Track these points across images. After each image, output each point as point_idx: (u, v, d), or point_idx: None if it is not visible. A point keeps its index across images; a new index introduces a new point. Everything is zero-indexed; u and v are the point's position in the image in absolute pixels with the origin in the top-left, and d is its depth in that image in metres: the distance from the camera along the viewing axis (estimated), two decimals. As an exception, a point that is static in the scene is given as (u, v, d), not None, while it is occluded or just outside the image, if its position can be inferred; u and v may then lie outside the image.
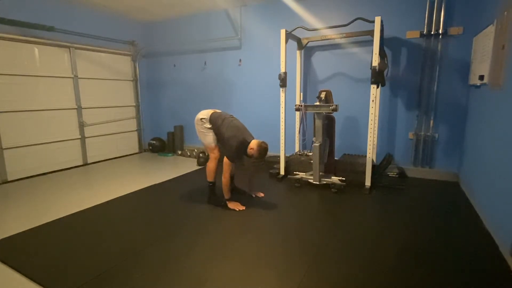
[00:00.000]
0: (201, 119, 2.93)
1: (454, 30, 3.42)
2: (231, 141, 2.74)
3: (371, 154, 3.31)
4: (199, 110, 5.76)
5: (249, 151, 2.75)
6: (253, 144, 2.74)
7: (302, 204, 3.05)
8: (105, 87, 5.07)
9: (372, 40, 3.11)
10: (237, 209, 2.84)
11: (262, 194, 3.24)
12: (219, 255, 2.07)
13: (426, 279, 1.78)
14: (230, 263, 1.98)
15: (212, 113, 2.95)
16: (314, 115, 3.37)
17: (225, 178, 2.81)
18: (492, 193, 2.37)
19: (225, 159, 2.79)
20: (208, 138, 2.92)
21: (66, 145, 4.55)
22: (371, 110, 3.21)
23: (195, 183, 3.78)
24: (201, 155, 4.83)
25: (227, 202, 2.90)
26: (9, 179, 3.91)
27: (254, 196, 3.21)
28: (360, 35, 3.59)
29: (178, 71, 5.52)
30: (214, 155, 2.93)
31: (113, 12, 4.95)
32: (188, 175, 4.19)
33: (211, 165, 2.95)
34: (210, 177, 2.98)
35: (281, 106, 3.76)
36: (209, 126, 2.90)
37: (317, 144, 3.32)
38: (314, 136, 3.40)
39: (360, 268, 1.90)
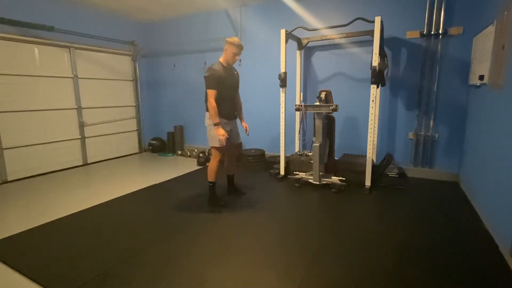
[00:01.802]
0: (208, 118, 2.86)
1: (454, 30, 3.42)
2: (205, 80, 2.72)
3: (371, 154, 3.31)
4: (199, 110, 5.75)
5: (227, 56, 2.78)
6: (224, 52, 2.78)
7: (302, 204, 3.05)
8: (105, 87, 5.07)
9: (372, 40, 3.11)
10: (219, 136, 2.69)
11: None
12: (219, 255, 2.07)
13: (426, 279, 1.78)
14: (230, 263, 1.98)
15: None
16: (314, 115, 3.37)
17: (211, 104, 2.69)
18: (492, 193, 2.37)
19: (207, 92, 2.73)
20: (214, 141, 2.81)
21: (66, 145, 4.55)
22: (371, 110, 3.21)
23: (195, 183, 3.78)
24: (201, 155, 4.83)
25: (216, 126, 2.73)
26: (9, 179, 3.91)
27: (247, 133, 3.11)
28: (360, 35, 3.59)
29: (178, 71, 5.52)
30: (217, 155, 2.89)
31: (113, 12, 4.95)
32: (188, 175, 4.19)
33: (212, 165, 2.92)
34: (211, 177, 2.95)
35: (281, 106, 3.76)
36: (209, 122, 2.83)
37: (317, 144, 3.32)
38: (314, 136, 3.40)
39: (360, 268, 1.90)
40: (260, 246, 2.20)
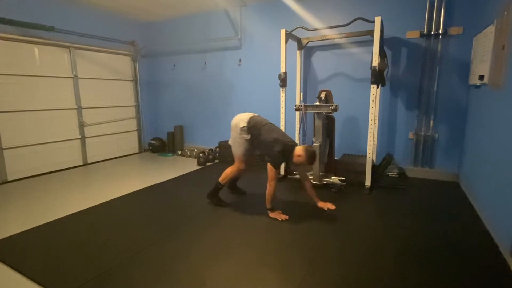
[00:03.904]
0: (242, 127, 2.72)
1: (454, 30, 3.42)
2: (275, 146, 2.58)
3: (371, 154, 3.31)
4: (199, 110, 5.78)
5: (296, 159, 2.57)
6: (299, 150, 2.56)
7: (302, 204, 3.04)
8: (105, 87, 5.07)
9: (372, 40, 3.11)
10: (280, 219, 2.61)
11: (333, 207, 2.68)
12: (219, 255, 2.07)
13: (425, 279, 1.78)
14: (230, 263, 1.98)
15: (252, 117, 2.77)
16: (314, 115, 3.37)
17: (271, 187, 2.61)
18: (492, 193, 2.37)
19: (269, 166, 2.59)
20: (241, 149, 2.79)
21: (66, 145, 4.55)
22: (371, 110, 3.21)
23: (195, 183, 3.78)
24: (201, 155, 4.83)
25: (268, 211, 2.69)
26: (9, 179, 3.91)
27: (326, 209, 2.70)
28: (360, 35, 3.59)
29: (178, 71, 5.52)
30: (239, 166, 2.85)
31: (113, 12, 4.95)
32: (188, 175, 4.19)
33: (231, 170, 2.88)
34: (223, 179, 2.91)
35: (281, 106, 3.76)
36: (247, 137, 2.73)
37: (317, 144, 3.32)
38: (314, 136, 3.40)
39: (360, 268, 1.90)
40: (260, 246, 2.20)
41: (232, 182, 3.28)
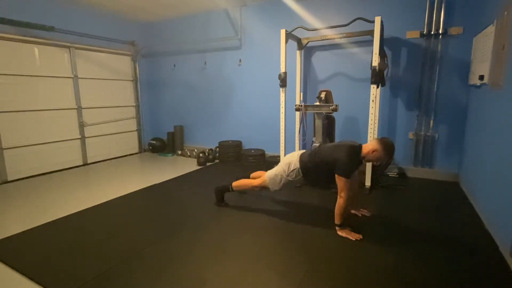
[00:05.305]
0: (294, 167, 2.53)
1: (454, 30, 3.42)
2: (338, 154, 2.28)
3: (371, 154, 3.30)
4: (199, 110, 5.77)
5: (371, 156, 2.27)
6: (372, 145, 2.27)
7: (302, 204, 3.05)
8: (105, 87, 5.07)
9: (372, 40, 3.11)
10: (353, 239, 2.24)
11: (368, 213, 2.67)
12: (219, 255, 2.07)
13: (425, 278, 1.78)
14: (230, 263, 1.98)
15: (302, 154, 2.57)
16: (314, 115, 3.37)
17: (342, 199, 2.25)
18: (492, 193, 2.37)
19: (338, 177, 2.27)
20: (275, 181, 2.63)
21: (66, 145, 4.55)
22: (371, 110, 3.21)
23: (195, 183, 3.78)
24: (201, 155, 4.82)
25: (337, 228, 2.34)
26: (9, 179, 3.91)
27: (360, 215, 2.66)
28: (360, 35, 3.59)
29: (178, 71, 5.52)
30: (257, 186, 2.74)
31: (113, 12, 4.95)
32: (188, 175, 4.19)
33: (248, 184, 2.80)
34: (236, 187, 2.84)
35: (281, 106, 3.75)
36: (291, 178, 2.56)
37: (317, 144, 3.32)
38: (314, 136, 3.40)
39: (359, 268, 1.90)
40: (260, 246, 2.20)
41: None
